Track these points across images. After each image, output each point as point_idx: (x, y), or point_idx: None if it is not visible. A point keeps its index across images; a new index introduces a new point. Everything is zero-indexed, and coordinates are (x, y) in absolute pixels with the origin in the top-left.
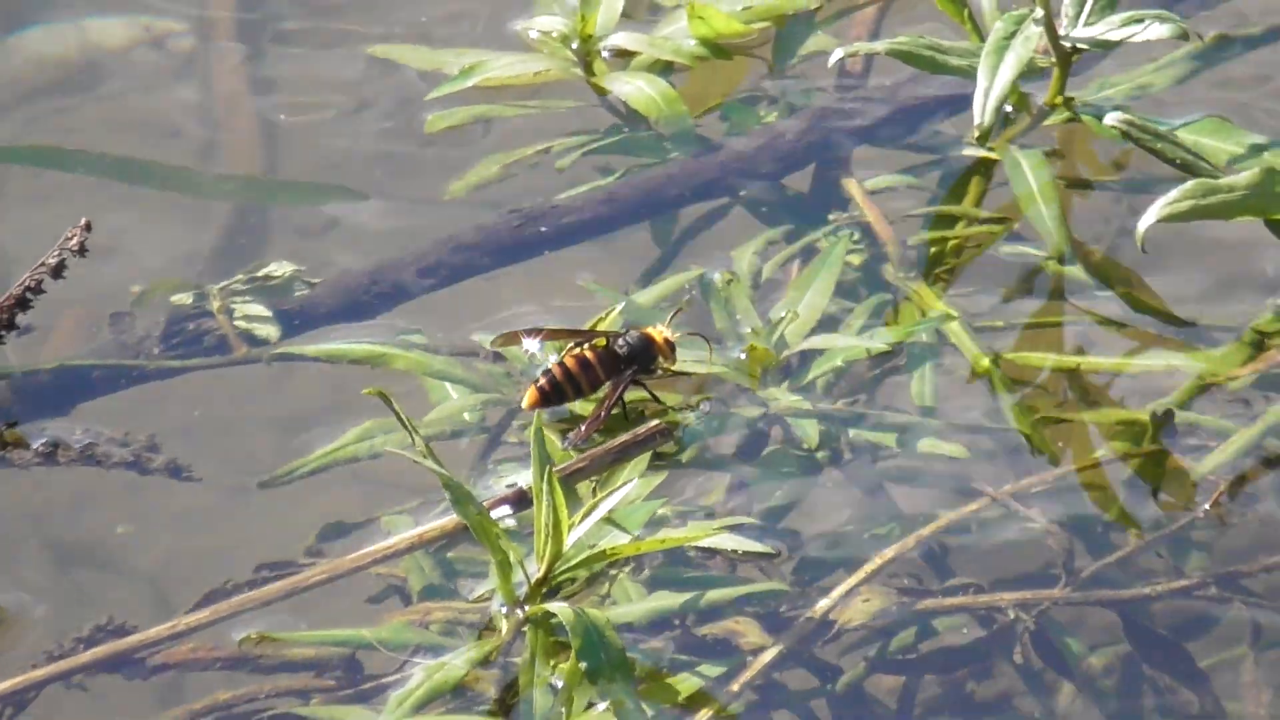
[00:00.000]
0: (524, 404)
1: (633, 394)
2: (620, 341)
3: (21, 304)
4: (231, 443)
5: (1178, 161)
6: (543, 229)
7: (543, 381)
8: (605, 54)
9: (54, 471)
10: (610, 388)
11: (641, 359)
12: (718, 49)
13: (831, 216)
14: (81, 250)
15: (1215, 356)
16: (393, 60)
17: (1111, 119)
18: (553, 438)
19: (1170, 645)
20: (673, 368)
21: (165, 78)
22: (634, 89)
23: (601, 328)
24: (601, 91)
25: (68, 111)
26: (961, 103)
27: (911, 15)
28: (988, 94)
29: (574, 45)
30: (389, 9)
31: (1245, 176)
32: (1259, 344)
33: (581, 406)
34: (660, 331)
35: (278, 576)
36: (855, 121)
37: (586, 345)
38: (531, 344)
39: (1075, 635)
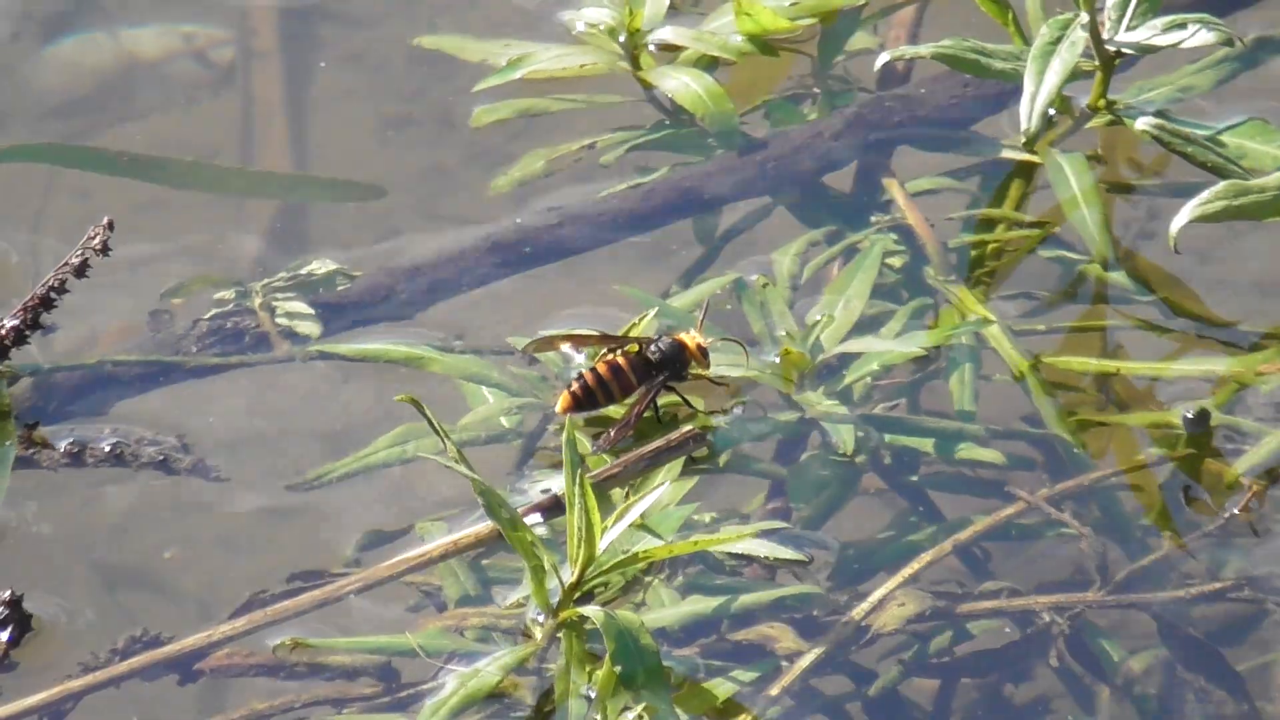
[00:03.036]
0: (557, 409)
1: (666, 398)
2: (653, 348)
3: (46, 303)
4: (274, 453)
5: (1209, 165)
6: (582, 227)
7: (575, 387)
8: (652, 48)
9: (102, 492)
10: (642, 393)
11: (674, 365)
12: (764, 45)
13: (873, 218)
14: (104, 249)
15: (1252, 360)
16: (440, 51)
17: (1143, 123)
18: (586, 443)
19: (1206, 648)
20: (706, 373)
21: (203, 89)
22: (680, 84)
23: (635, 333)
24: (647, 85)
25: (103, 124)
26: (1002, 103)
27: (951, 14)
28: (1034, 99)
29: (621, 38)
30: (432, 13)
31: (1276, 177)
32: None
33: (615, 410)
34: (694, 337)
35: (313, 586)
36: (897, 121)
37: (619, 351)
38: (566, 349)
39: (1112, 639)
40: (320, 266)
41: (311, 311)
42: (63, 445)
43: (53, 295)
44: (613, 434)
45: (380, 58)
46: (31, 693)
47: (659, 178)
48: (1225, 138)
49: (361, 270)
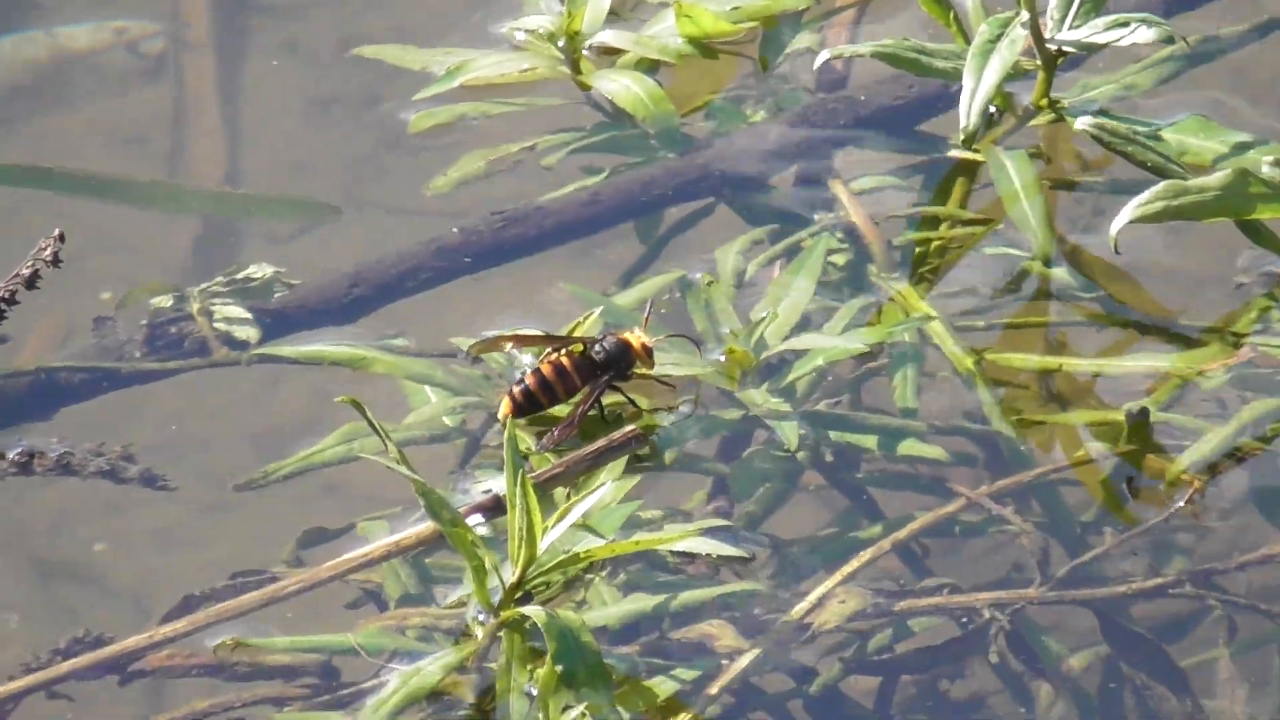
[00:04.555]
0: (500, 413)
1: (612, 397)
2: (597, 348)
3: None
4: (213, 455)
5: (1149, 165)
6: (526, 230)
7: (518, 390)
8: (589, 53)
9: (33, 487)
10: (586, 393)
11: (618, 364)
12: (704, 48)
13: (817, 216)
14: (55, 261)
15: (1194, 356)
16: (380, 60)
17: (1083, 123)
18: (530, 441)
19: (1148, 644)
20: (651, 372)
21: (136, 80)
22: (620, 87)
23: (579, 333)
24: (587, 89)
25: (38, 117)
26: (946, 103)
27: (891, 14)
28: (973, 97)
29: (560, 43)
30: (364, 9)
31: (1217, 178)
32: (1235, 344)
33: (561, 409)
34: (638, 336)
35: (254, 585)
36: (842, 122)
37: (563, 352)
38: (511, 349)
39: (1054, 636)
40: (258, 271)
41: (249, 316)
42: (12, 454)
43: (3, 307)
44: (556, 433)
45: (311, 49)
46: None
47: (603, 181)
48: (1167, 134)
49: (300, 275)
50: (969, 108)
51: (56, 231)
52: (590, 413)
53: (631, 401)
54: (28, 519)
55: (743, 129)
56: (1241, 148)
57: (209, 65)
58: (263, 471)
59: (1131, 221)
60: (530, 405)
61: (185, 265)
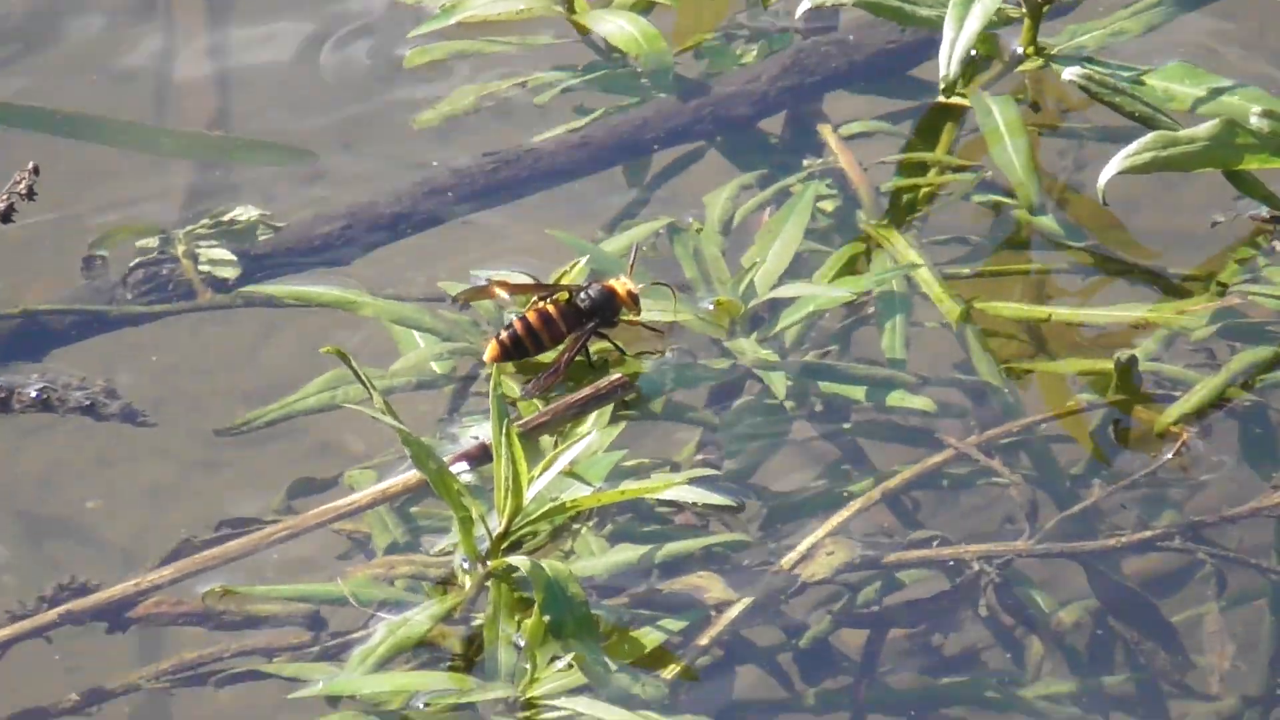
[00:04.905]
0: (485, 358)
1: (599, 344)
2: (583, 295)
3: None
4: (203, 409)
5: (1136, 115)
6: (518, 173)
7: (504, 336)
8: None
9: (25, 442)
10: (571, 341)
11: (604, 312)
12: None
13: (806, 162)
14: (30, 194)
15: (1180, 305)
16: None
17: (1070, 73)
18: (516, 388)
19: (1137, 599)
20: (637, 319)
21: (125, 17)
22: (615, 27)
23: (567, 280)
24: (583, 30)
25: (22, 56)
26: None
27: None
28: (953, 45)
29: None
30: None
31: (1205, 128)
32: (1221, 292)
33: (548, 357)
34: (624, 283)
35: (241, 533)
36: (834, 66)
37: (549, 299)
38: (499, 296)
39: (1044, 590)
40: (243, 213)
41: (233, 257)
42: None
43: None
44: (543, 379)
45: None
46: None
47: (594, 123)
48: (1152, 80)
49: (286, 216)
50: (949, 56)
51: (31, 165)
52: (577, 359)
53: (618, 348)
54: (18, 474)
55: (737, 72)
56: (1225, 93)
57: (199, 2)
58: (245, 419)
59: (1120, 173)
60: (516, 351)
61: (181, 208)
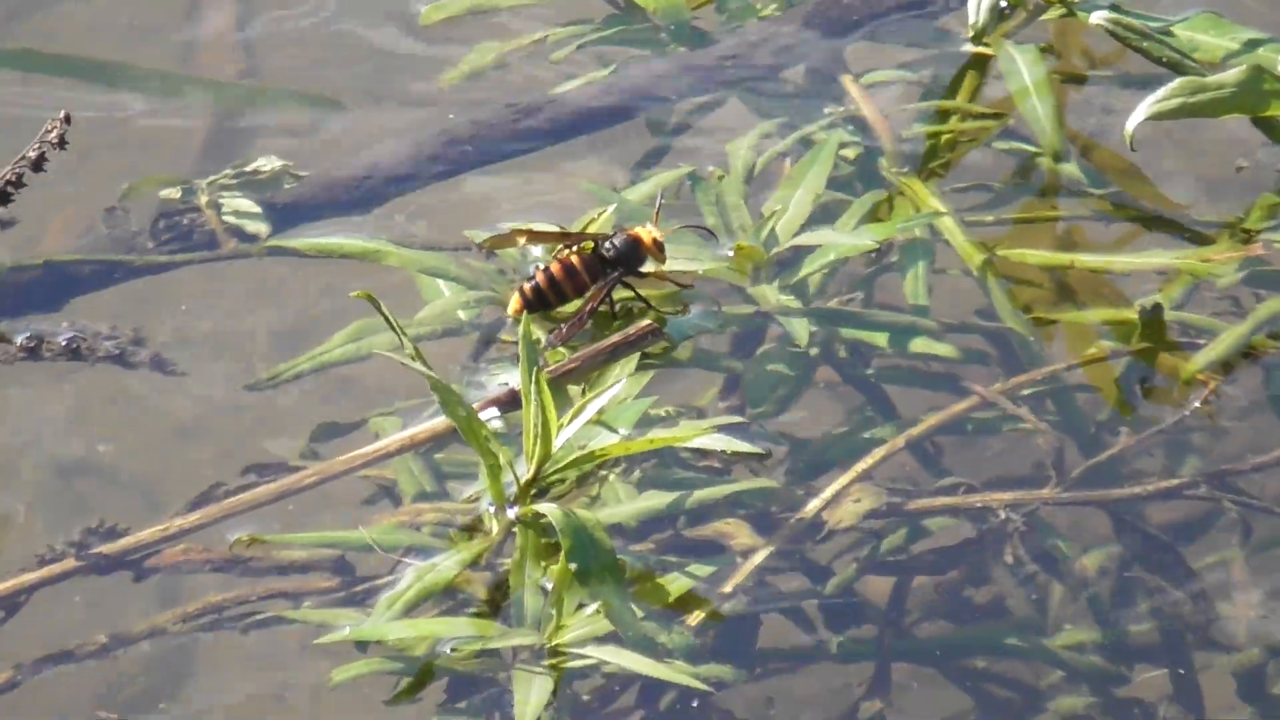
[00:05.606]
0: (509, 310)
1: (623, 293)
2: (607, 244)
3: (3, 198)
4: (227, 350)
5: (1164, 60)
6: (539, 123)
7: (527, 287)
8: None
9: (55, 389)
10: (595, 290)
11: (629, 261)
12: None
13: (828, 110)
14: (61, 143)
15: (1205, 252)
16: None
17: (1098, 17)
18: (542, 336)
19: (1162, 546)
20: (662, 268)
21: None
22: None
23: (591, 229)
24: None
25: (48, 6)
26: None
27: None
28: None
29: None
30: None
31: (1233, 74)
32: (1246, 239)
33: (574, 306)
34: (649, 231)
35: (268, 480)
36: (856, 17)
37: (573, 250)
38: (523, 244)
39: (1068, 537)
40: (266, 164)
41: (259, 210)
42: (20, 339)
43: (10, 190)
44: (565, 329)
45: None
46: None
47: (616, 74)
48: (1177, 30)
49: (310, 166)
50: (978, 4)
51: (63, 113)
52: (601, 308)
53: (641, 298)
54: (45, 418)
55: (754, 22)
56: (1252, 44)
57: None
58: (272, 372)
59: (1147, 118)
60: (540, 303)
61: (197, 157)
